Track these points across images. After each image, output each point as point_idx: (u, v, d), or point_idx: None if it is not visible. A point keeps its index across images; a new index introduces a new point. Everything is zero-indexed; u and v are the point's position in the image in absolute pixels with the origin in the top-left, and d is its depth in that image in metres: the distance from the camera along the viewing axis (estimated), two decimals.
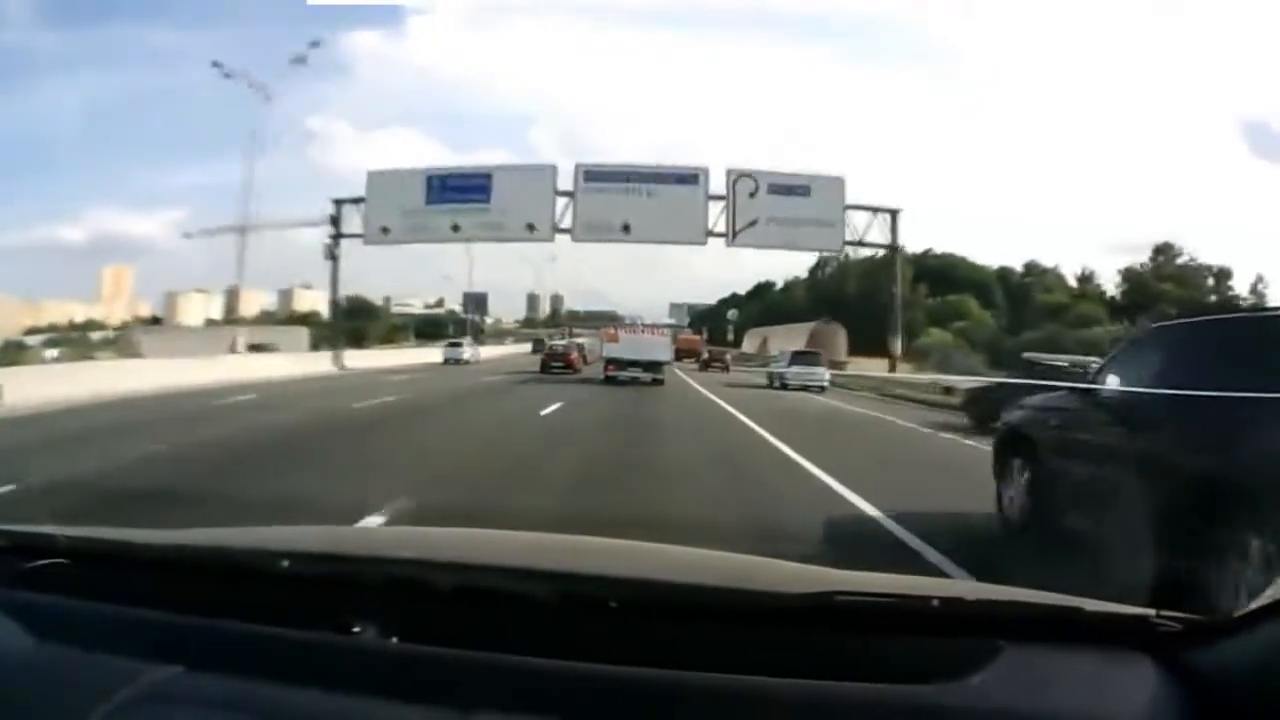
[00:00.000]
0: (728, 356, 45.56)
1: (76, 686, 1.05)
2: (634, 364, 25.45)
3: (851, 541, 5.52)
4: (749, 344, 65.92)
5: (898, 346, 38.45)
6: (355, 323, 67.65)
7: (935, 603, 1.17)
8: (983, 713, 0.99)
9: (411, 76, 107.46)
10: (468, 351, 41.80)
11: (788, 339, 46.69)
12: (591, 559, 1.51)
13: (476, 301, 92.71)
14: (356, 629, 1.13)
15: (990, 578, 1.92)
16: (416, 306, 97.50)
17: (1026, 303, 60.94)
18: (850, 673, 1.05)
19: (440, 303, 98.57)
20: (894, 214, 38.46)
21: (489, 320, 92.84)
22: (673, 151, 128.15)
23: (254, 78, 36.31)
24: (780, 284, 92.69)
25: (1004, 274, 73.17)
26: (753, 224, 36.71)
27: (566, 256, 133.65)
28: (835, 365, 35.23)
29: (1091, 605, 1.17)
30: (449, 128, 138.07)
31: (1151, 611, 1.14)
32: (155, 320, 78.37)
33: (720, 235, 37.23)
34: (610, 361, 26.06)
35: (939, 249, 72.31)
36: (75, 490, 6.27)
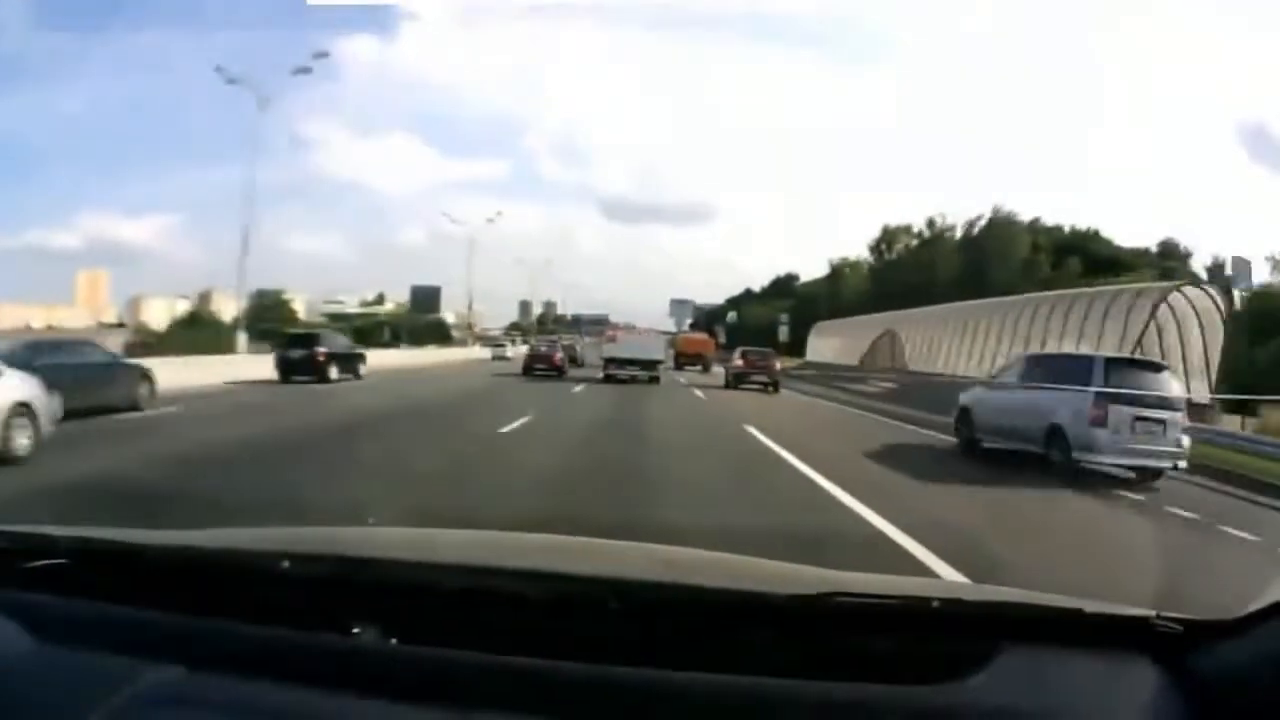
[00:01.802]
0: (776, 365, 27.23)
1: (78, 687, 1.07)
2: (631, 363, 25.95)
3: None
4: (824, 346, 42.77)
5: None
6: (264, 324, 57.04)
7: (935, 603, 1.18)
8: (982, 713, 1.01)
9: (405, 81, 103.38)
10: (510, 351, 46.08)
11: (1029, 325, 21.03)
12: (591, 560, 1.52)
13: (426, 297, 71.61)
14: (357, 630, 1.14)
15: (990, 579, 1.85)
16: (350, 304, 76.97)
17: None
18: (850, 673, 1.06)
19: (380, 299, 77.71)
20: None
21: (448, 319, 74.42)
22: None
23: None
24: (805, 277, 73.18)
25: (1143, 256, 52.47)
26: None
27: (560, 262, 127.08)
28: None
29: (1092, 606, 1.17)
30: (443, 133, 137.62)
31: (1152, 613, 1.14)
32: (120, 325, 73.90)
33: None
34: (609, 360, 26.67)
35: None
36: None
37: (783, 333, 50.38)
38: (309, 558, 1.34)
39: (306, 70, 29.42)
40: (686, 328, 64.06)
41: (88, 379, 11.86)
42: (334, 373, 21.12)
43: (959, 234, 57.46)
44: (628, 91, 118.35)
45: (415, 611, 1.18)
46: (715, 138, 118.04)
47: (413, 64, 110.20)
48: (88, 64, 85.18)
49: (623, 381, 24.36)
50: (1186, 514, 8.10)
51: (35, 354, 11.13)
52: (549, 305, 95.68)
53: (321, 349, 21.46)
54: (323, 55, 32.42)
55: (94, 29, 79.61)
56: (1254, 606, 1.07)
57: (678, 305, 77.95)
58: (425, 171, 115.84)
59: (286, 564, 1.26)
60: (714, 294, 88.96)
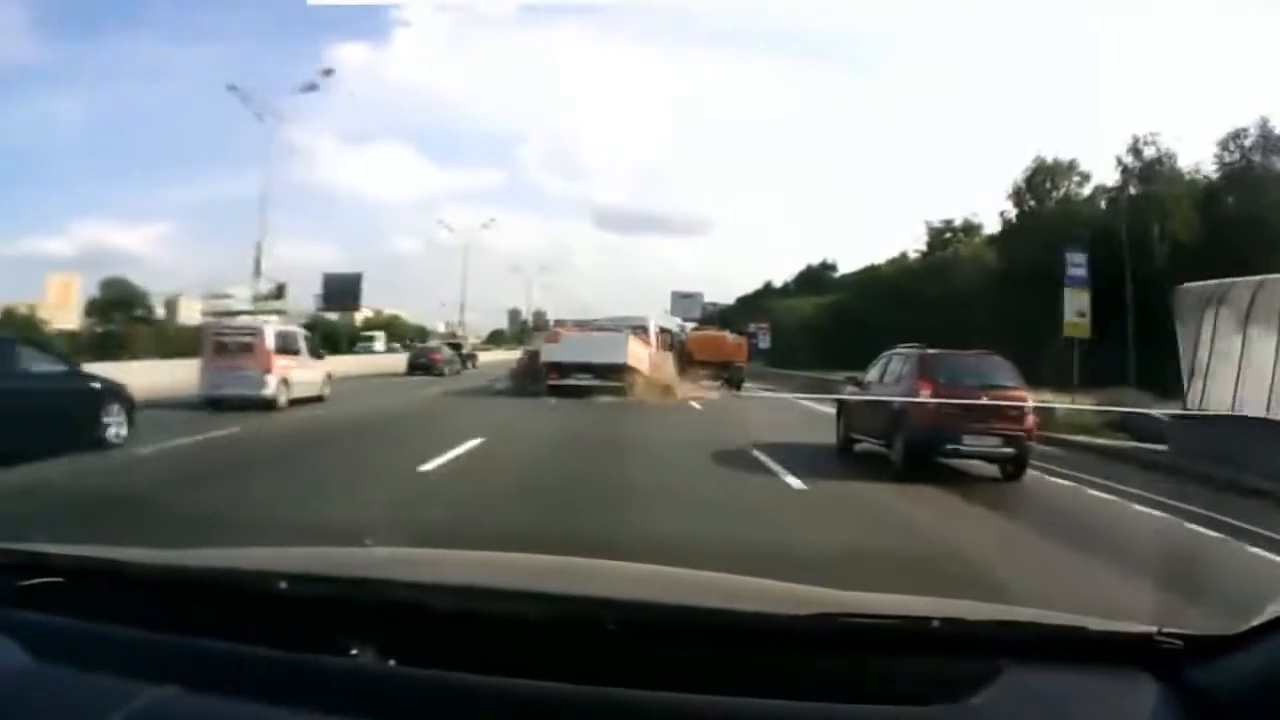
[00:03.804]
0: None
1: (72, 707, 1.08)
2: (582, 369, 20.17)
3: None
4: None
5: None
6: (110, 326, 49.02)
7: (935, 623, 1.18)
8: None
9: (400, 89, 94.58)
10: None
11: None
12: (590, 581, 1.53)
13: (342, 288, 50.47)
14: (354, 651, 1.15)
15: (991, 597, 1.82)
16: (239, 298, 54.50)
17: None
18: (852, 694, 1.08)
19: (280, 291, 54.50)
20: None
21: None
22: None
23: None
24: (841, 265, 56.43)
25: None
26: None
27: (554, 271, 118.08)
28: None
29: (1093, 624, 1.19)
30: (438, 142, 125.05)
31: (1153, 629, 1.15)
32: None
33: None
34: (553, 367, 20.85)
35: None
36: None
37: (1074, 308, 18.22)
38: (306, 578, 1.35)
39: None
40: (694, 321, 44.43)
41: (454, 361, 34.00)
42: (469, 365, 37.84)
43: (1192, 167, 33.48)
44: (624, 100, 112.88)
45: (413, 633, 1.19)
46: (712, 145, 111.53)
47: (407, 72, 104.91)
48: (83, 73, 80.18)
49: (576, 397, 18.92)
50: None
51: (423, 353, 34.93)
52: (539, 314, 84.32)
53: (464, 352, 40.26)
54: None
55: (88, 40, 78.24)
56: (1256, 621, 1.08)
57: (682, 300, 57.47)
58: (419, 181, 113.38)
59: (284, 584, 1.27)
60: (721, 294, 70.62)
